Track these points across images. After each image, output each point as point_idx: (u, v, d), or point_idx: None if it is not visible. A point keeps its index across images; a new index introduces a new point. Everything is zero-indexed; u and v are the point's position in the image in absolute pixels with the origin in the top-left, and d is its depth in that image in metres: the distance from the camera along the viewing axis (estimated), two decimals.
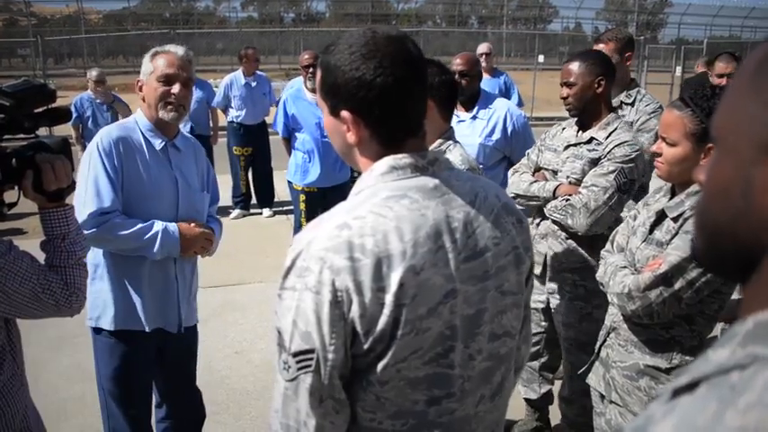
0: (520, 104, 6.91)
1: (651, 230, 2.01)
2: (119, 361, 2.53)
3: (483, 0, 42.64)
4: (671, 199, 1.99)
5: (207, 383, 3.64)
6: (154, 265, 2.46)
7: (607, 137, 2.63)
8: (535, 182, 2.81)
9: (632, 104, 3.50)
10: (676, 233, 1.91)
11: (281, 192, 7.02)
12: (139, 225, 2.36)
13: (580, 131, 2.75)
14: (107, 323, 2.48)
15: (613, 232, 2.26)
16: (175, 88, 2.39)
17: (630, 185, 2.58)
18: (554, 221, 2.74)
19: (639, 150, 2.62)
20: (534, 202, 2.77)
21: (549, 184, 2.76)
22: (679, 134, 1.90)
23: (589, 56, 2.72)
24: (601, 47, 3.53)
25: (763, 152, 0.56)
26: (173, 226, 2.43)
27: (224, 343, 4.30)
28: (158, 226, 2.39)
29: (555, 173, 2.79)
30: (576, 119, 2.77)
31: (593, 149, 2.66)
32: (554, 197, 2.71)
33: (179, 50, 2.45)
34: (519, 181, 2.85)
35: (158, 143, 2.46)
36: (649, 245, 1.99)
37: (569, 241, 2.76)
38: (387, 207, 1.12)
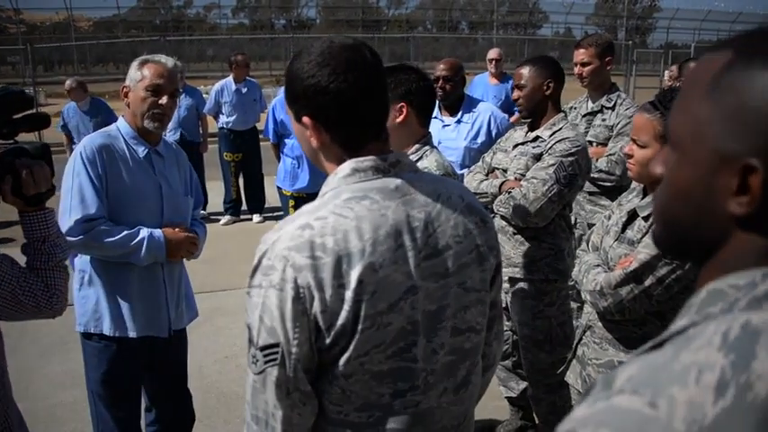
0: None
1: (623, 229, 2.07)
2: (108, 365, 2.55)
3: (473, 5, 42.82)
4: (642, 199, 2.06)
5: (197, 388, 3.67)
6: (142, 271, 2.48)
7: (551, 135, 2.75)
8: (484, 180, 2.92)
9: (613, 108, 3.57)
10: (647, 232, 1.96)
11: (272, 197, 7.05)
12: (125, 232, 2.39)
13: (529, 132, 2.87)
14: (96, 329, 2.50)
15: (588, 232, 2.31)
16: (163, 99, 2.43)
17: (571, 179, 2.68)
18: (502, 217, 2.83)
19: (582, 146, 2.72)
20: (484, 199, 2.84)
21: (496, 180, 2.87)
22: (649, 136, 1.96)
23: (539, 60, 2.87)
24: (581, 52, 3.60)
25: (723, 162, 0.64)
26: (158, 232, 2.46)
27: (214, 348, 4.33)
28: (144, 232, 2.42)
29: (505, 171, 2.90)
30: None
31: (537, 146, 2.78)
32: (500, 192, 2.80)
33: (168, 62, 2.48)
34: (471, 180, 2.97)
35: (141, 150, 2.49)
36: (621, 243, 2.05)
37: (517, 236, 2.85)
38: (348, 208, 1.17)
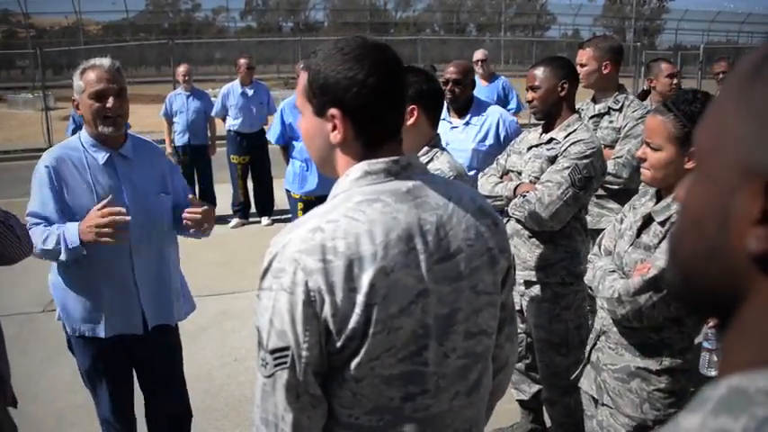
0: (519, 108, 6.71)
1: (638, 234, 2.04)
2: (90, 360, 2.64)
3: (481, 7, 42.79)
4: (657, 203, 2.02)
5: (206, 391, 3.68)
6: (108, 271, 2.49)
7: (566, 137, 2.72)
8: (499, 183, 2.89)
9: (620, 110, 3.55)
10: (664, 237, 1.93)
11: (280, 200, 7.05)
12: (42, 228, 2.38)
13: (543, 133, 2.84)
14: (69, 327, 2.59)
15: (600, 236, 2.29)
16: (109, 102, 2.43)
17: (587, 182, 2.65)
18: (517, 221, 2.81)
19: (596, 149, 2.69)
20: (499, 202, 2.83)
21: (511, 183, 2.84)
22: (662, 138, 1.93)
23: (552, 61, 2.85)
24: (580, 53, 3.59)
25: (744, 178, 0.47)
26: (73, 224, 2.37)
27: (222, 351, 4.32)
28: (61, 227, 2.37)
29: (519, 174, 2.88)
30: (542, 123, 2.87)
31: (552, 148, 2.76)
32: (515, 196, 2.78)
33: (105, 63, 2.47)
34: (485, 183, 2.95)
35: (102, 156, 2.49)
36: (637, 249, 2.02)
37: (532, 239, 2.83)
38: (359, 210, 1.16)
